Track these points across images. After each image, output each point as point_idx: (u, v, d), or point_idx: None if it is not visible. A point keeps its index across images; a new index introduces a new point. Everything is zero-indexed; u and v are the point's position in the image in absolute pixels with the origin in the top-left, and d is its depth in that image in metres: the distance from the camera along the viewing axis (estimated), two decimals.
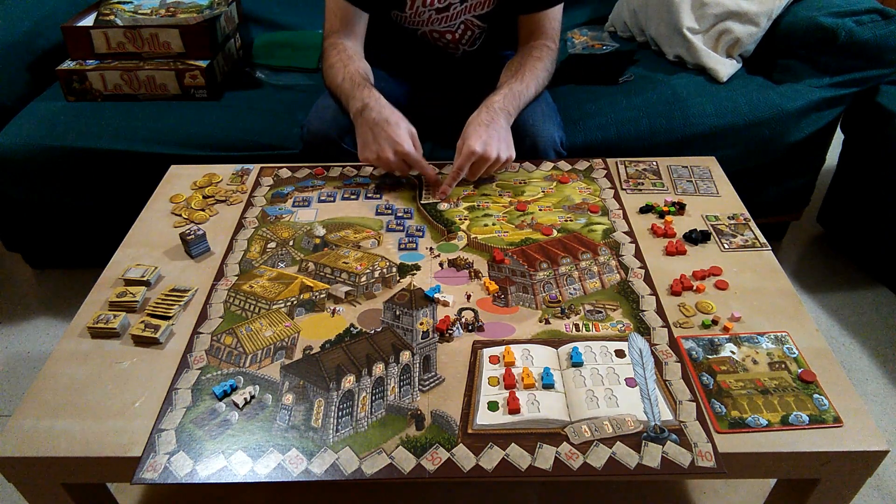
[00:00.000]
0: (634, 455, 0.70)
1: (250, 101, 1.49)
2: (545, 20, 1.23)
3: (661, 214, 1.06)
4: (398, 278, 0.95)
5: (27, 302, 1.62)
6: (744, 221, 1.05)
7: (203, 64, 1.46)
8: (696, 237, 1.01)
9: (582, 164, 1.20)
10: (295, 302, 0.91)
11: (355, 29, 1.26)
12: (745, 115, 1.39)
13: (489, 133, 1.07)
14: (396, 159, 1.05)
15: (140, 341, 0.85)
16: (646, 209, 1.08)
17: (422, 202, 1.11)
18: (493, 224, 1.05)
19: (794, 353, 0.82)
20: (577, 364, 0.80)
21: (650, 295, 0.91)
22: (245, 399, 0.77)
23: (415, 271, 0.96)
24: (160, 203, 1.13)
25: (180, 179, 1.19)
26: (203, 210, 1.10)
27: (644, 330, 0.86)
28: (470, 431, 0.73)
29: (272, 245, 1.02)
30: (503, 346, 0.83)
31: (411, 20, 1.26)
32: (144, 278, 0.94)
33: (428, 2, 1.22)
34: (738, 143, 1.41)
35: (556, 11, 1.24)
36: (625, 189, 1.13)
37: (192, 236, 0.99)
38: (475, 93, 1.23)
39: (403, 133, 1.06)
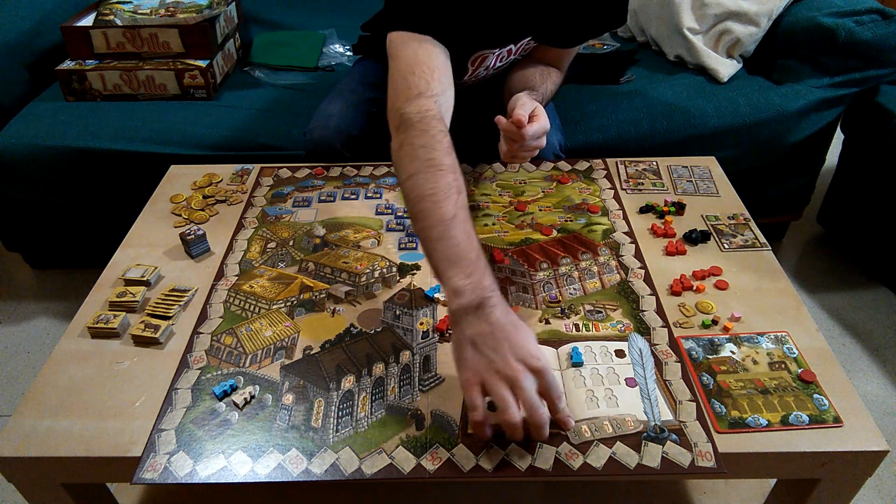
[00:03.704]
0: (634, 455, 0.70)
1: (250, 100, 1.49)
2: (565, 55, 1.17)
3: (661, 214, 1.06)
4: (398, 278, 0.95)
5: (27, 302, 1.62)
6: (744, 221, 1.05)
7: (202, 64, 1.46)
8: (696, 237, 1.00)
9: (582, 165, 1.20)
10: (295, 302, 0.91)
11: (449, 89, 0.91)
12: (745, 116, 1.39)
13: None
14: (529, 381, 0.66)
15: (140, 341, 0.85)
16: (646, 209, 1.08)
17: None
18: (493, 224, 1.05)
19: (794, 353, 0.82)
20: (577, 364, 0.80)
21: (650, 295, 0.91)
22: (245, 399, 0.77)
23: (415, 271, 0.96)
24: (160, 203, 1.13)
25: (180, 179, 1.19)
26: (203, 210, 1.10)
27: (644, 330, 0.85)
28: (470, 431, 0.73)
29: (272, 245, 1.02)
30: None
31: (465, 82, 1.16)
32: (144, 278, 0.94)
33: (491, 65, 1.14)
34: (739, 144, 1.41)
35: (576, 49, 1.18)
36: (625, 189, 1.13)
37: (192, 236, 0.99)
38: (480, 91, 1.23)
39: (534, 341, 0.69)
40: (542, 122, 0.97)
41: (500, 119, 0.97)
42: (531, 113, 0.97)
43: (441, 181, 0.76)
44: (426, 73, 0.88)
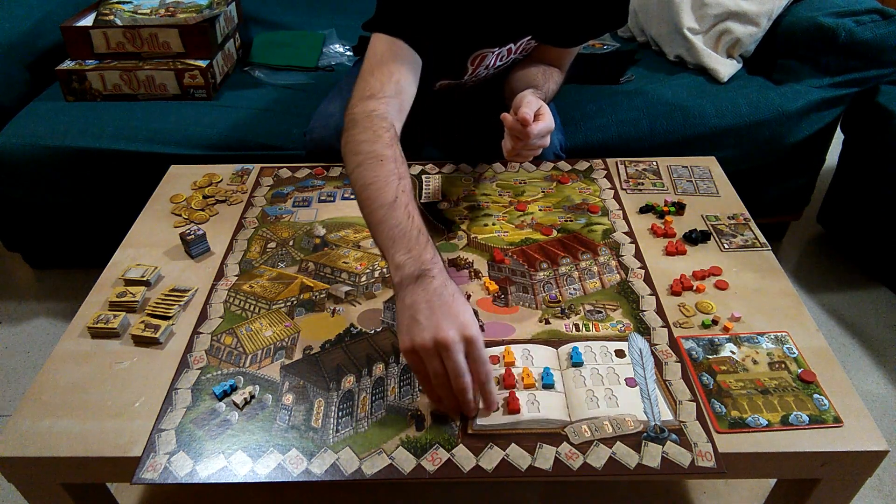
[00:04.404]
0: (634, 455, 0.70)
1: (250, 100, 1.49)
2: (566, 55, 1.16)
3: (661, 214, 1.06)
4: None
5: (27, 302, 1.62)
6: (744, 221, 1.05)
7: (202, 64, 1.46)
8: (696, 237, 1.00)
9: (582, 165, 1.20)
10: (295, 302, 0.91)
11: (405, 93, 0.93)
12: (745, 116, 1.39)
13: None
14: (458, 347, 0.69)
15: (140, 341, 0.85)
16: (646, 209, 1.08)
17: (421, 202, 1.11)
18: (493, 224, 1.05)
19: (794, 353, 0.82)
20: (577, 364, 0.80)
21: (650, 295, 0.91)
22: (245, 399, 0.77)
23: None
24: (160, 203, 1.13)
25: (180, 179, 1.19)
26: (203, 210, 1.10)
27: (644, 330, 0.85)
28: (470, 431, 0.73)
29: (272, 245, 1.02)
30: (503, 346, 0.83)
31: (465, 81, 1.17)
32: (144, 278, 0.94)
33: (491, 64, 1.14)
34: (739, 144, 1.41)
35: (577, 49, 1.18)
36: (625, 189, 1.13)
37: (192, 236, 0.99)
38: (480, 91, 1.23)
39: (471, 312, 0.72)
40: (548, 121, 0.97)
41: (506, 116, 0.97)
42: (536, 112, 0.97)
43: (382, 170, 0.80)
44: (384, 76, 0.91)
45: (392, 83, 0.91)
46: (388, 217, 0.77)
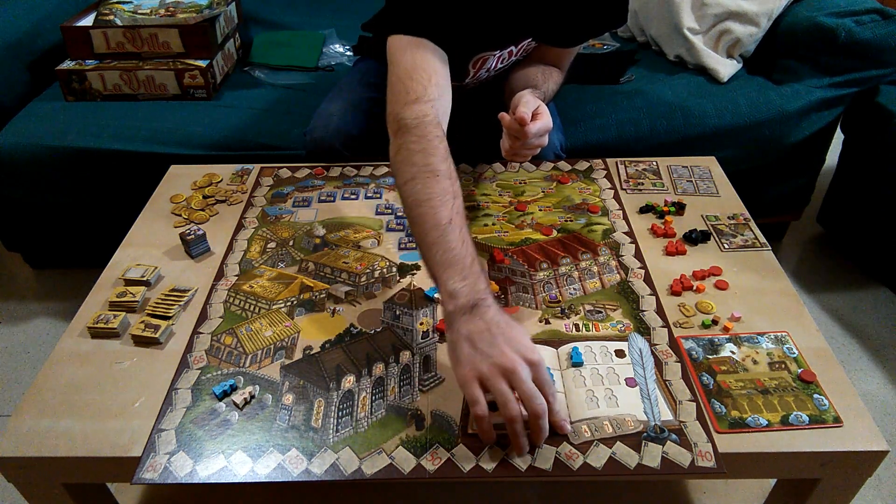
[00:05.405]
0: (634, 455, 0.70)
1: (250, 100, 1.49)
2: (566, 55, 1.16)
3: (661, 214, 1.06)
4: (398, 278, 0.95)
5: (27, 302, 1.62)
6: (744, 221, 1.05)
7: (202, 64, 1.46)
8: (696, 237, 1.01)
9: (582, 165, 1.20)
10: (295, 302, 0.91)
11: (446, 95, 0.91)
12: (745, 116, 1.39)
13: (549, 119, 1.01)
14: (525, 371, 0.67)
15: (140, 341, 0.85)
16: (646, 209, 1.08)
17: None
18: (493, 224, 1.05)
19: (794, 353, 0.82)
20: (577, 364, 0.80)
21: (650, 295, 0.91)
22: (245, 399, 0.77)
23: (415, 271, 0.96)
24: (160, 203, 1.13)
25: (180, 179, 1.19)
26: (203, 210, 1.10)
27: (644, 330, 0.85)
28: (470, 431, 0.73)
29: (272, 245, 1.02)
30: None
31: (466, 84, 1.17)
32: (144, 278, 0.94)
33: (491, 67, 1.13)
34: (739, 144, 1.41)
35: (576, 49, 1.17)
36: (625, 189, 1.13)
37: (192, 236, 0.99)
38: (481, 93, 1.23)
39: (529, 338, 0.71)
40: (545, 120, 0.97)
41: (504, 116, 0.97)
42: (534, 111, 0.97)
43: (437, 187, 0.78)
44: (423, 77, 0.88)
45: (433, 85, 0.88)
46: (442, 240, 0.74)
